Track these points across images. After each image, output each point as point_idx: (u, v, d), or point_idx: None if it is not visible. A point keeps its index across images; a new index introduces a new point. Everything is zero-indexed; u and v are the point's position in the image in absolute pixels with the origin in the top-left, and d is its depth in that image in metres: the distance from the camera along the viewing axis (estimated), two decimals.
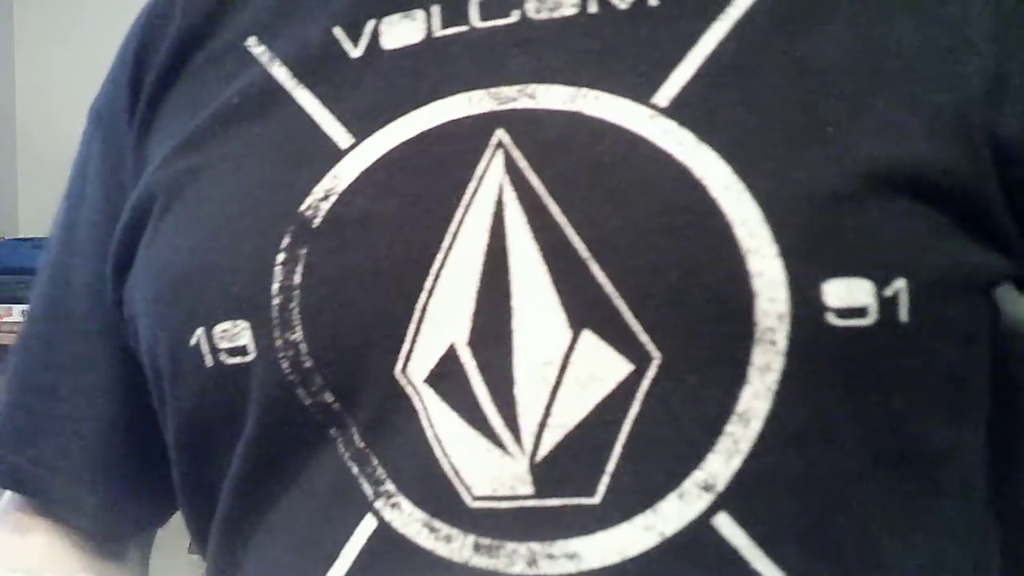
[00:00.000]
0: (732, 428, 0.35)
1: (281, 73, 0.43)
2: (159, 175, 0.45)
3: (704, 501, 0.35)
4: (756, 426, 0.35)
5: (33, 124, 2.69)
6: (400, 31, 0.42)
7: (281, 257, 0.40)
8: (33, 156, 2.70)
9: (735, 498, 0.34)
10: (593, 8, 0.40)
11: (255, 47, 0.45)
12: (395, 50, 0.42)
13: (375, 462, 0.38)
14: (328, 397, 0.39)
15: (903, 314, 0.34)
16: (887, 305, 0.34)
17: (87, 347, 0.52)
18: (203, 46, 0.48)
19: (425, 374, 0.38)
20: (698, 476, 0.35)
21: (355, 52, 0.43)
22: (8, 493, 0.54)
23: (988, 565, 0.40)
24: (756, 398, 0.34)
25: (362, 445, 0.39)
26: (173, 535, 0.62)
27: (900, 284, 0.34)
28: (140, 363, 0.48)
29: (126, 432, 0.51)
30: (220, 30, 0.48)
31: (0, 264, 2.44)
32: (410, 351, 0.38)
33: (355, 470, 0.39)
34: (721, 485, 0.35)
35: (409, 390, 0.38)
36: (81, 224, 0.53)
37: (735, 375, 0.35)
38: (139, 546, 0.57)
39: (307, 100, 0.42)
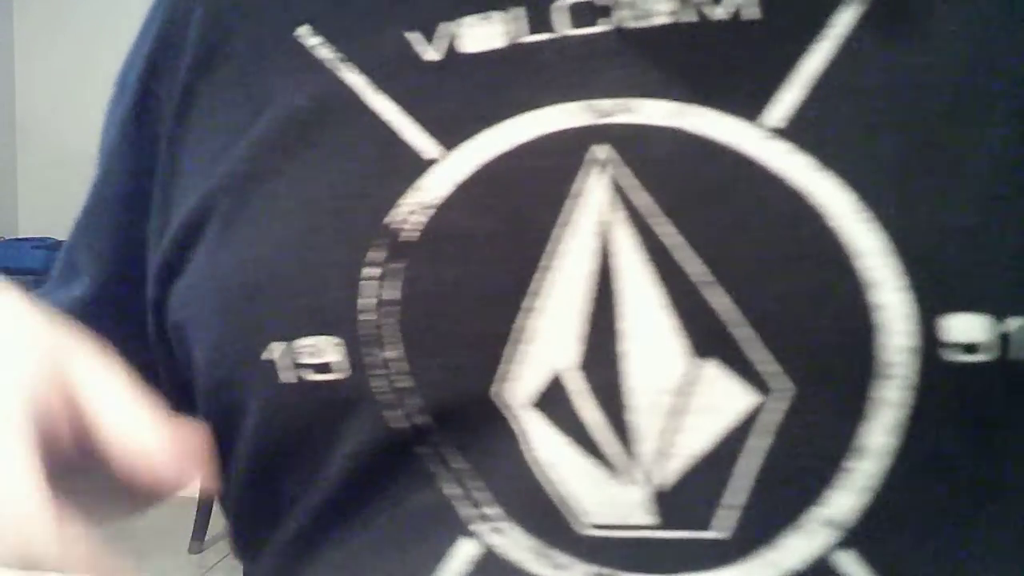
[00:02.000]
0: (853, 464, 0.34)
1: (354, 79, 0.42)
2: (220, 180, 0.44)
3: (825, 537, 0.34)
4: (877, 462, 0.34)
5: (33, 124, 2.69)
6: (479, 35, 0.40)
7: (374, 271, 0.38)
8: (33, 156, 2.70)
9: (857, 535, 0.34)
10: (688, 18, 0.38)
11: (309, 39, 0.43)
12: (476, 55, 0.40)
13: (471, 485, 0.37)
14: (422, 418, 0.37)
15: (1019, 351, 0.34)
16: (1005, 341, 0.34)
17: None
18: (240, 31, 0.46)
19: (526, 397, 0.37)
20: (820, 512, 0.34)
21: (431, 56, 0.41)
22: None
23: None
24: (877, 433, 0.34)
25: (457, 466, 0.37)
26: (173, 535, 0.62)
27: (1019, 322, 0.34)
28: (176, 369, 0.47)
29: None
30: (258, 13, 0.45)
31: (0, 264, 2.44)
32: (510, 373, 0.37)
33: (448, 491, 0.37)
34: (843, 521, 0.34)
35: (508, 412, 0.37)
36: (104, 210, 0.52)
37: (857, 410, 0.34)
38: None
39: (384, 107, 0.41)
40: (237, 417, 0.42)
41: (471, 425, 0.37)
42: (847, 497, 0.34)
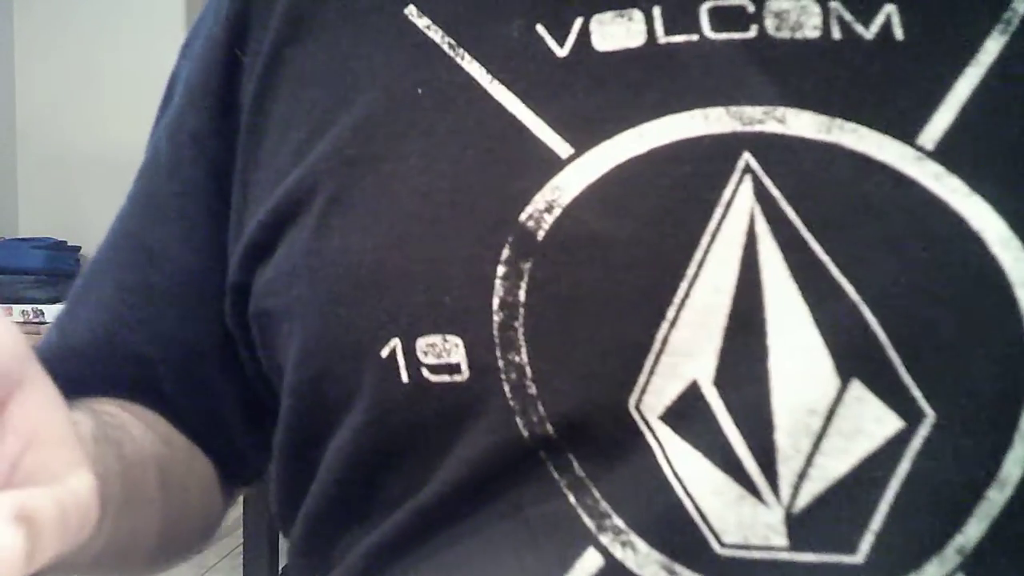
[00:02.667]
0: (992, 493, 0.34)
1: (476, 70, 0.40)
2: (321, 161, 0.41)
3: (954, 564, 0.34)
4: (1008, 491, 0.34)
5: (33, 124, 2.69)
6: (614, 32, 0.39)
7: (502, 270, 0.36)
8: (33, 156, 2.70)
9: (972, 561, 0.34)
10: (837, 34, 0.37)
11: (418, 19, 0.41)
12: (610, 53, 0.38)
13: (598, 495, 0.36)
14: (548, 425, 0.36)
15: None
16: None
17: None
18: (334, 1, 0.43)
19: (662, 410, 0.35)
20: (957, 540, 0.34)
21: (561, 51, 0.39)
22: None
23: None
24: (1016, 464, 0.34)
25: (583, 476, 0.36)
26: None
27: None
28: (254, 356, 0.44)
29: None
30: None
31: (0, 264, 2.44)
32: (646, 384, 0.35)
33: (573, 499, 0.36)
34: (969, 548, 0.34)
35: (642, 425, 0.35)
36: (167, 191, 0.49)
37: (1003, 440, 0.34)
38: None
39: (509, 99, 0.39)
40: (337, 413, 0.40)
41: (601, 435, 0.36)
42: (978, 525, 0.34)
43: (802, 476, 0.34)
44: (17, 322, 2.42)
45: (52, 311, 2.42)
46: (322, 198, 0.40)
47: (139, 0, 2.62)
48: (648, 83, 0.38)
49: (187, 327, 0.48)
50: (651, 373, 0.35)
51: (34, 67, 2.68)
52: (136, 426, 0.46)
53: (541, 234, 0.36)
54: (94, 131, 2.66)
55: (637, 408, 0.35)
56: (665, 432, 0.35)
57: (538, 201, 0.37)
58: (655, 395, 0.35)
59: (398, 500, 0.39)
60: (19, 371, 0.25)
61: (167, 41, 2.62)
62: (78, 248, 2.62)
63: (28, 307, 2.42)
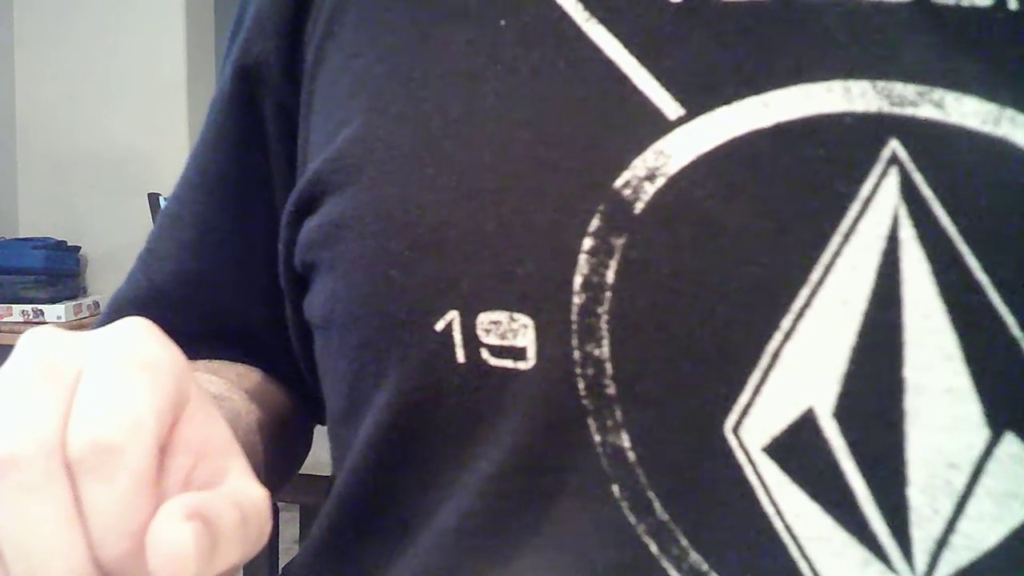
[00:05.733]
0: None
1: (570, 4, 0.34)
2: (389, 104, 0.35)
3: None
4: None
5: (33, 124, 2.69)
6: None
7: (588, 243, 0.31)
8: (33, 156, 2.70)
9: None
10: (1014, 4, 0.31)
11: None
12: (732, 3, 0.33)
13: (684, 543, 0.30)
14: (625, 435, 0.30)
15: None
16: None
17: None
18: None
19: (766, 440, 0.29)
20: None
21: None
22: None
23: None
24: None
25: (665, 517, 0.30)
26: None
27: None
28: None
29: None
30: None
31: (0, 264, 2.44)
32: (748, 405, 0.29)
33: (654, 548, 0.30)
34: None
35: (740, 456, 0.30)
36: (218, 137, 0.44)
37: None
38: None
39: (608, 43, 0.33)
40: (374, 387, 0.35)
41: (690, 464, 0.30)
42: None
43: (942, 544, 0.29)
44: (17, 322, 2.42)
45: (52, 311, 2.42)
46: (380, 145, 0.34)
47: (139, 0, 2.62)
48: (778, 43, 0.32)
49: (270, 263, 0.44)
50: (756, 392, 0.29)
51: (34, 67, 2.68)
52: (236, 394, 0.43)
53: (639, 206, 0.31)
54: (94, 131, 2.66)
55: (735, 433, 0.29)
56: (770, 469, 0.29)
57: (638, 166, 0.31)
58: (759, 421, 0.29)
59: (425, 508, 0.34)
60: (188, 392, 0.25)
61: (167, 41, 2.63)
62: (78, 248, 2.62)
63: (28, 307, 2.42)
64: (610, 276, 0.30)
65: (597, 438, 0.30)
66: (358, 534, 0.37)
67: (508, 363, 0.31)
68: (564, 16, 0.34)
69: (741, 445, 0.30)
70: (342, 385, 0.37)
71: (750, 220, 0.30)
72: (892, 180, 0.30)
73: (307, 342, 0.42)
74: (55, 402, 0.23)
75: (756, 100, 0.31)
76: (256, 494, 0.25)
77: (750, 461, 0.30)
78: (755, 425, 0.29)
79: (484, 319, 0.31)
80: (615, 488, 0.30)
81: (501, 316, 0.31)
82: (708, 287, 0.30)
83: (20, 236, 2.65)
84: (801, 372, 0.29)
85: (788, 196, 0.30)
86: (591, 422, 0.30)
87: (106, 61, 2.64)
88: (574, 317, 0.30)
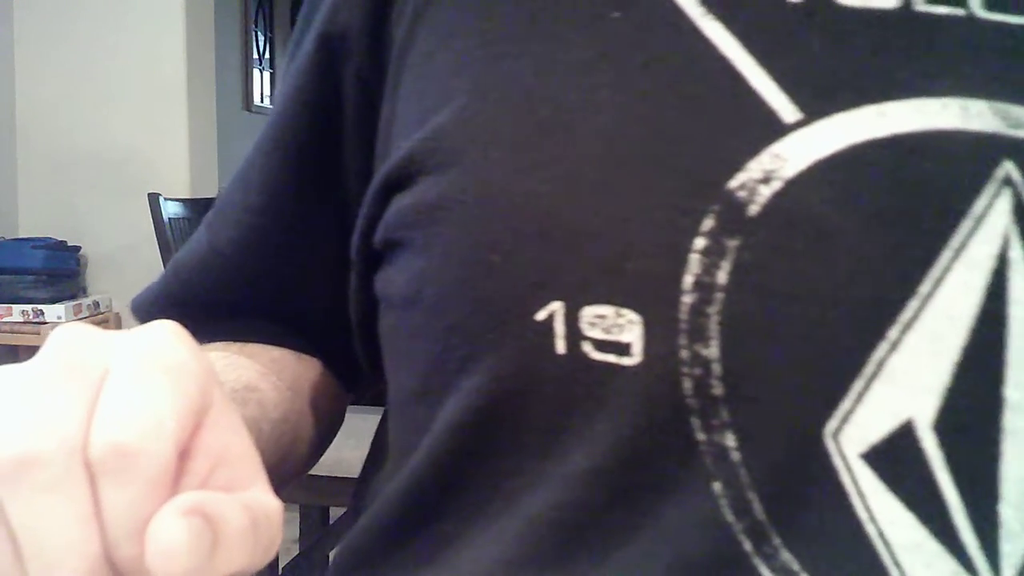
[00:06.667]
0: None
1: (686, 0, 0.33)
2: (491, 89, 0.35)
3: None
4: None
5: (33, 124, 2.69)
6: None
7: (701, 243, 0.31)
8: (33, 156, 2.70)
9: None
10: None
11: None
12: (854, 10, 0.32)
13: (777, 542, 0.30)
14: (729, 439, 0.30)
15: None
16: None
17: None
18: None
19: (864, 447, 0.30)
20: None
21: None
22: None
23: None
24: None
25: (762, 517, 0.30)
26: None
27: None
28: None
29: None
30: None
31: (0, 264, 2.44)
32: (850, 412, 0.30)
33: (747, 547, 0.30)
34: None
35: (837, 461, 0.30)
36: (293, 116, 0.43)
37: None
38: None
39: (724, 41, 0.32)
40: (461, 371, 0.35)
41: (790, 466, 0.30)
42: None
43: None
44: (17, 322, 2.42)
45: (52, 311, 2.42)
46: (483, 129, 0.34)
47: (139, 0, 2.62)
48: (897, 55, 0.32)
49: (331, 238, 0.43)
50: (858, 400, 0.30)
51: (34, 67, 2.68)
52: (268, 382, 0.43)
53: (754, 208, 0.30)
54: (94, 131, 2.66)
55: (835, 438, 0.30)
56: (866, 476, 0.30)
57: (753, 168, 0.31)
58: (859, 428, 0.30)
59: (510, 494, 0.34)
60: (211, 397, 0.25)
61: (167, 41, 2.63)
62: (78, 248, 2.62)
63: (28, 307, 2.42)
64: (722, 277, 0.30)
65: (701, 437, 0.31)
66: (430, 514, 0.37)
67: (611, 358, 0.31)
68: (678, 11, 0.33)
69: (840, 450, 0.30)
70: (420, 365, 0.37)
71: (863, 229, 0.30)
72: (1005, 200, 0.30)
73: (367, 316, 0.42)
74: (79, 401, 0.23)
75: (873, 109, 0.31)
76: (270, 504, 0.25)
77: (847, 467, 0.30)
78: (855, 432, 0.30)
79: (589, 312, 0.31)
80: (716, 485, 0.31)
81: (607, 310, 0.31)
82: (819, 293, 0.30)
83: (20, 236, 2.65)
84: (904, 383, 0.29)
85: (901, 208, 0.30)
86: (695, 421, 0.30)
87: (106, 61, 2.64)
88: (683, 316, 0.30)
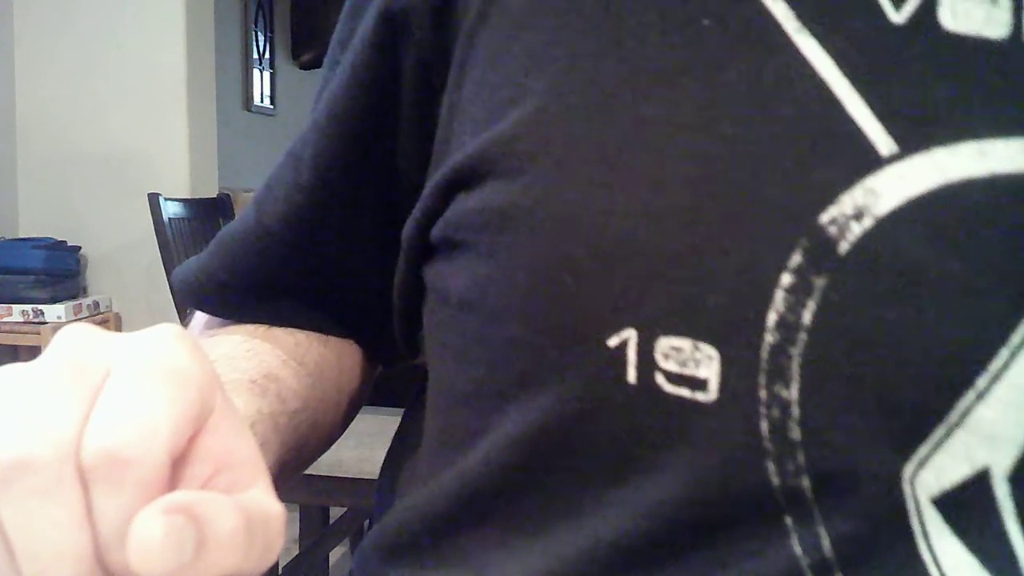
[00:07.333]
0: None
1: (780, 10, 0.32)
2: (568, 94, 0.33)
3: None
4: None
5: (33, 124, 2.69)
6: (970, 11, 0.31)
7: (788, 280, 0.29)
8: (33, 156, 2.70)
9: None
10: None
11: None
12: (961, 36, 0.31)
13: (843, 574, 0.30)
14: (806, 480, 0.30)
15: None
16: None
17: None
18: None
19: (938, 492, 0.29)
20: None
21: (897, 16, 0.31)
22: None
23: None
24: None
25: (830, 554, 0.30)
26: None
27: None
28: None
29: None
30: None
31: (0, 264, 2.44)
32: (928, 457, 0.29)
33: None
34: None
35: (910, 503, 0.29)
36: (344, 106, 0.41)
37: None
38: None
39: (819, 59, 0.31)
40: (523, 384, 0.34)
41: (864, 508, 0.30)
42: None
43: None
44: (17, 322, 2.42)
45: (52, 311, 2.42)
46: (560, 136, 0.33)
47: (139, 0, 2.62)
48: (1003, 88, 0.30)
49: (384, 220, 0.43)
50: (937, 447, 0.29)
51: (34, 67, 2.68)
52: (288, 369, 0.43)
53: (844, 246, 0.29)
54: (94, 131, 2.66)
55: (910, 482, 0.29)
56: (935, 519, 0.29)
57: (846, 203, 0.29)
58: (934, 473, 0.29)
59: (571, 516, 0.33)
60: (212, 402, 0.25)
61: (167, 41, 2.63)
62: (78, 248, 2.62)
63: (28, 307, 2.42)
64: (807, 317, 0.29)
65: (776, 481, 0.30)
66: (483, 518, 0.36)
67: (685, 392, 0.30)
68: (773, 23, 0.31)
69: (913, 494, 0.29)
70: (473, 369, 0.36)
71: (957, 273, 0.29)
72: None
73: (412, 299, 0.42)
74: (76, 404, 0.23)
75: (973, 146, 0.30)
76: (270, 507, 0.24)
77: (917, 510, 0.29)
78: (929, 476, 0.29)
79: (665, 343, 0.30)
80: (788, 520, 0.30)
81: (684, 343, 0.30)
82: (908, 339, 0.29)
83: (20, 236, 2.65)
84: (986, 432, 0.29)
85: (998, 253, 0.29)
86: (771, 465, 0.30)
87: (106, 61, 2.64)
88: (764, 355, 0.29)
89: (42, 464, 0.22)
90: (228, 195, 2.47)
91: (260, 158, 4.02)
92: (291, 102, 4.62)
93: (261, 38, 4.34)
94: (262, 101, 4.35)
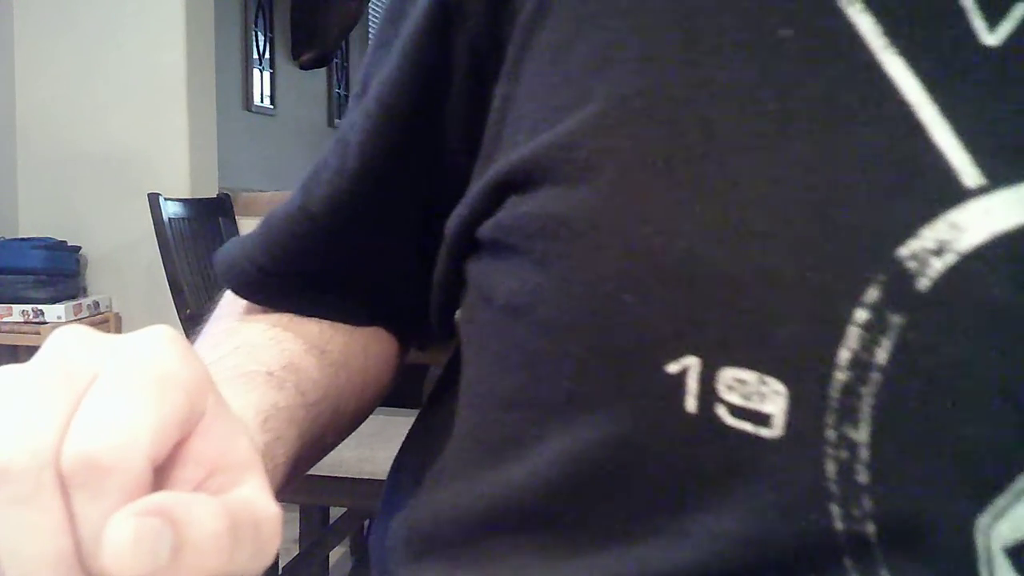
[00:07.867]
0: None
1: (865, 24, 0.30)
2: (633, 100, 0.31)
3: None
4: None
5: (33, 124, 2.69)
6: None
7: (863, 316, 0.28)
8: (33, 156, 2.70)
9: None
10: None
11: None
12: None
13: None
14: (872, 526, 0.28)
15: None
16: None
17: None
18: None
19: (1012, 542, 0.28)
20: None
21: (990, 38, 0.29)
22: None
23: None
24: None
25: None
26: None
27: None
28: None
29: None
30: None
31: (0, 264, 2.44)
32: (1006, 508, 0.28)
33: None
34: None
35: (981, 552, 0.28)
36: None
37: None
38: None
39: (905, 80, 0.29)
40: (572, 401, 0.33)
41: (926, 551, 0.28)
42: None
43: None
44: (17, 322, 2.42)
45: (52, 311, 2.42)
46: (623, 144, 0.31)
47: (139, 0, 2.62)
48: None
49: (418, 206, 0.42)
50: (1017, 497, 0.28)
51: (34, 67, 2.68)
52: (308, 360, 0.43)
53: (924, 282, 0.28)
54: (94, 131, 2.66)
55: (987, 533, 0.28)
56: (1004, 568, 0.28)
57: (927, 237, 0.28)
58: (1011, 524, 0.28)
59: (624, 540, 0.32)
60: (202, 406, 0.24)
61: (167, 41, 2.63)
62: (78, 248, 2.62)
63: (28, 307, 2.42)
64: (881, 356, 0.28)
65: (840, 526, 0.29)
66: (526, 529, 0.35)
67: (748, 426, 0.29)
68: (858, 38, 0.30)
69: (986, 544, 0.28)
70: (516, 376, 0.35)
71: None
72: None
73: (452, 291, 0.41)
74: (59, 409, 0.23)
75: None
76: (263, 509, 0.24)
77: (988, 559, 0.28)
78: (1005, 527, 0.28)
79: (728, 375, 0.29)
80: (847, 562, 0.29)
81: (749, 376, 0.29)
82: (987, 383, 0.27)
83: (20, 236, 2.65)
84: None
85: None
86: (835, 508, 0.29)
87: (106, 61, 2.64)
88: (834, 393, 0.28)
89: (19, 471, 0.22)
90: (228, 195, 2.47)
91: (260, 158, 4.02)
92: (291, 102, 4.62)
93: (261, 38, 4.34)
94: (262, 101, 4.35)
